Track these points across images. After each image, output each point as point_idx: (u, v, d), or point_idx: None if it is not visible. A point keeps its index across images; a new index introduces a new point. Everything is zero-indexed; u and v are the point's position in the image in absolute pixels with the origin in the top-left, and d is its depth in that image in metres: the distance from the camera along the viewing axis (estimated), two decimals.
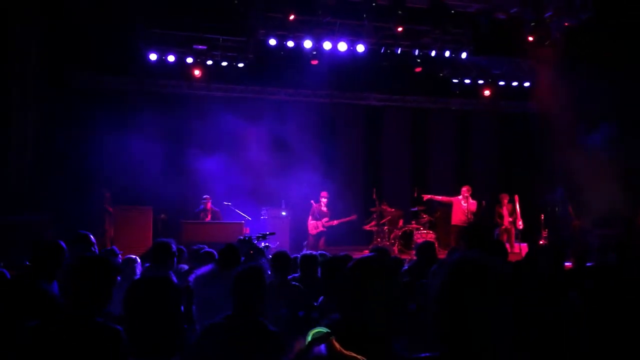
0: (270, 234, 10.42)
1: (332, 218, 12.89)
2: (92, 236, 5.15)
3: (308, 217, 12.91)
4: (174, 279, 4.06)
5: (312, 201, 12.88)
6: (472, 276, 1.79)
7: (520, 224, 12.70)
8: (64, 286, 3.88)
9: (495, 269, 1.81)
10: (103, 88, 13.43)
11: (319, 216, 12.77)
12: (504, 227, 12.66)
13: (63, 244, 3.95)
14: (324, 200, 12.83)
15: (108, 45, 12.25)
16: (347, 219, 12.88)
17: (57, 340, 2.49)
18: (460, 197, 12.41)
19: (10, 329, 3.07)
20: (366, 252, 11.88)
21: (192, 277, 4.70)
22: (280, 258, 5.28)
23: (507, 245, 11.89)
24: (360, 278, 2.38)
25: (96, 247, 5.21)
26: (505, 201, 12.82)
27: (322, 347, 2.22)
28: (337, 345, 2.21)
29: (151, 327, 3.16)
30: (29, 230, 9.64)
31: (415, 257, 6.22)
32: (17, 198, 10.90)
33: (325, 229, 12.74)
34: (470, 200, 12.31)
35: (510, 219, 12.72)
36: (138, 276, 5.63)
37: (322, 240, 12.69)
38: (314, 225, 12.75)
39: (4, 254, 7.54)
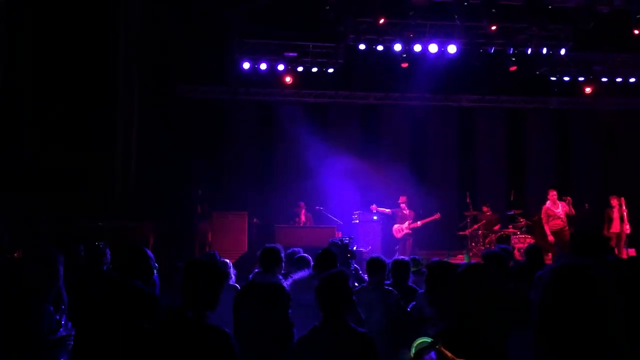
0: (350, 238, 10.48)
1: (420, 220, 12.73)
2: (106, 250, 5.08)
3: (394, 222, 12.82)
4: (285, 284, 4.12)
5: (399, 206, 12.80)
6: (577, 285, 1.71)
7: (627, 227, 11.92)
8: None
9: (603, 279, 1.72)
10: (200, 98, 13.99)
11: (401, 220, 12.65)
12: (612, 230, 11.90)
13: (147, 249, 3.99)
14: (402, 204, 12.69)
15: (204, 56, 12.77)
16: (431, 218, 12.64)
17: (171, 342, 2.60)
18: (548, 202, 11.89)
19: (121, 327, 3.25)
20: (461, 257, 11.68)
21: (288, 282, 4.76)
22: (374, 263, 5.25)
23: (616, 250, 11.30)
24: (470, 285, 2.34)
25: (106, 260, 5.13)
26: (616, 203, 12.04)
27: (432, 354, 2.20)
28: (447, 353, 2.18)
29: (261, 332, 3.23)
30: (133, 233, 10.17)
31: (513, 263, 6.00)
32: (122, 202, 11.55)
33: (410, 231, 12.58)
34: (561, 204, 11.75)
35: (620, 223, 11.95)
36: (233, 280, 5.77)
37: (409, 243, 12.56)
38: (398, 229, 12.65)
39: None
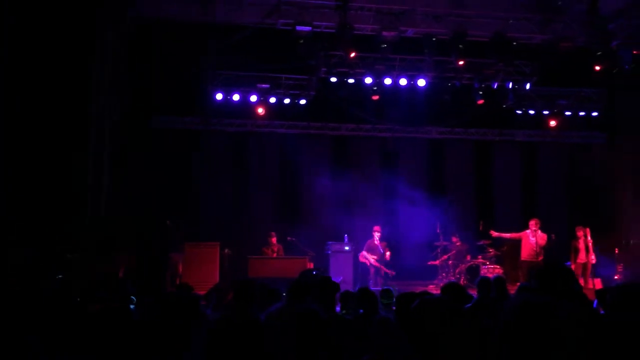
0: (322, 269, 10.54)
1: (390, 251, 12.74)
2: None
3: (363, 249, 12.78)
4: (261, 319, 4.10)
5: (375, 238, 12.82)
6: (536, 322, 1.74)
7: (593, 258, 12.19)
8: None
9: (564, 316, 1.75)
10: (173, 128, 13.94)
11: (370, 250, 12.65)
12: (579, 261, 12.16)
13: None
14: (376, 234, 12.72)
15: (178, 87, 12.77)
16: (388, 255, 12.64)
17: None
18: (528, 231, 12.07)
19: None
20: (431, 287, 11.75)
21: (263, 315, 4.75)
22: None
23: (581, 280, 11.52)
24: (426, 321, 2.28)
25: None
26: (581, 234, 12.32)
27: None
28: None
29: None
30: (102, 265, 10.00)
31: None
32: (91, 234, 11.33)
33: (378, 265, 12.56)
34: (540, 234, 11.95)
35: (586, 253, 12.23)
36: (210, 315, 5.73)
37: (381, 273, 12.57)
38: (363, 256, 12.60)
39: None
